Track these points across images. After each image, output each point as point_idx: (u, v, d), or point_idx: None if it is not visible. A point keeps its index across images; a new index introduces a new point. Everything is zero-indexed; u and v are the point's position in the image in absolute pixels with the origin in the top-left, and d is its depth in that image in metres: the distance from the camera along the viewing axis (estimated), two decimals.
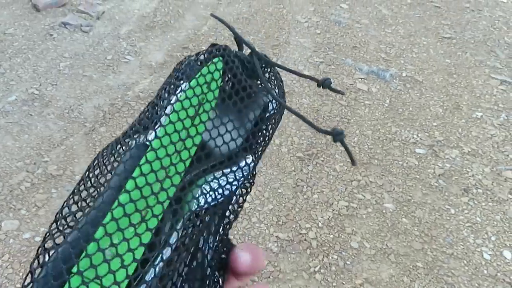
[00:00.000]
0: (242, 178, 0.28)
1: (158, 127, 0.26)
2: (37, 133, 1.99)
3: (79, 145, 1.96)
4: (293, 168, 1.95)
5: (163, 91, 0.30)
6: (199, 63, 0.30)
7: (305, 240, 1.65)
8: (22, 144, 1.92)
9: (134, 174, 0.24)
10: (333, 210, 1.78)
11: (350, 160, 0.28)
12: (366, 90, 2.50)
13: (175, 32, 2.84)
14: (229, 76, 0.30)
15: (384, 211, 1.80)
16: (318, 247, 1.63)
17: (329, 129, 0.28)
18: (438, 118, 2.35)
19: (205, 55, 0.30)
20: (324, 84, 0.31)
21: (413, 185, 1.93)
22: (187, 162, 0.26)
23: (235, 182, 0.28)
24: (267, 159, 1.98)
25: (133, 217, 0.23)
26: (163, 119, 0.26)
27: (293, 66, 2.63)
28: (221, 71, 0.29)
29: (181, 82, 0.28)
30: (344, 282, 1.53)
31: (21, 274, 1.45)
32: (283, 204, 1.78)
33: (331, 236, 1.67)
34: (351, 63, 2.72)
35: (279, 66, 0.33)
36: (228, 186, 0.27)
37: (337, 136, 0.28)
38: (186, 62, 0.30)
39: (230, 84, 0.30)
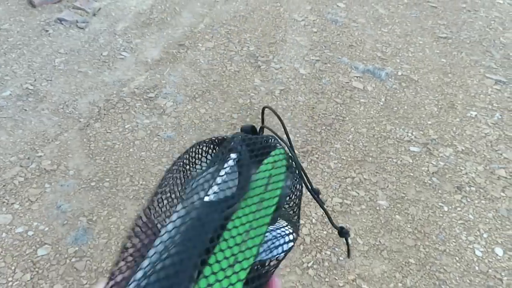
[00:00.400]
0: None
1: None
2: (32, 128, 1.98)
3: (73, 140, 1.96)
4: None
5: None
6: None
7: (298, 236, 1.65)
8: (16, 139, 1.91)
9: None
10: (327, 206, 1.78)
11: (347, 253, 0.40)
12: (361, 89, 2.51)
13: (171, 29, 2.84)
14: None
15: (377, 208, 1.81)
16: (312, 243, 1.64)
17: (339, 226, 0.39)
18: (433, 117, 2.36)
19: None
20: (342, 233, 0.40)
21: (407, 183, 1.94)
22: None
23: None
24: None
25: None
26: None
27: (289, 64, 2.64)
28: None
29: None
30: (336, 278, 1.53)
31: (13, 268, 1.45)
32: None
33: (325, 232, 1.68)
34: (347, 61, 2.72)
35: (311, 191, 0.41)
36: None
37: (344, 234, 0.38)
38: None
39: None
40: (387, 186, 1.91)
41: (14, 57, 2.41)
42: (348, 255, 0.38)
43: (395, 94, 2.51)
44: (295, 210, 0.41)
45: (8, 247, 1.49)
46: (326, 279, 1.52)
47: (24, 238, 1.53)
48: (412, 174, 1.99)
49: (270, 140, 0.40)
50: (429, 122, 2.32)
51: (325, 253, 1.61)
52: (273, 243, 0.36)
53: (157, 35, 2.77)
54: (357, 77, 2.61)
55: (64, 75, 2.35)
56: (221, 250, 0.30)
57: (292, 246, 0.37)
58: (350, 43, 2.91)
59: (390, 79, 2.62)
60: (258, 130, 0.41)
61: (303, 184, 0.41)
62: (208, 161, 0.41)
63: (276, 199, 0.35)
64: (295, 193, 0.41)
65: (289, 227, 0.39)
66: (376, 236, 1.69)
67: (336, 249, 1.63)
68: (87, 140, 1.97)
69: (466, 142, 2.21)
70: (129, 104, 2.22)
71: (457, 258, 1.64)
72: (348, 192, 1.86)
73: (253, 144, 0.38)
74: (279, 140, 0.41)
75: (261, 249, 0.33)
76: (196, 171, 0.40)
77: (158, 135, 2.05)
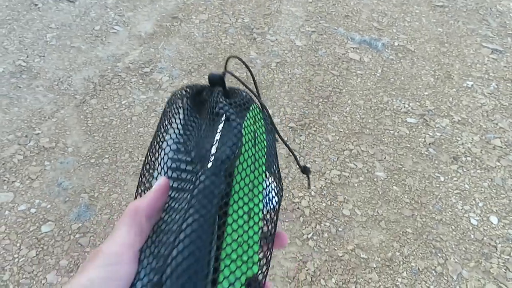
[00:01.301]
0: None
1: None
2: (27, 106, 1.96)
3: (70, 117, 1.94)
4: (286, 138, 1.96)
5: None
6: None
7: (298, 208, 1.68)
8: (12, 117, 1.90)
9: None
10: (325, 179, 1.80)
11: (308, 185, 0.44)
12: (358, 60, 2.50)
13: (163, 1, 2.78)
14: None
15: (375, 179, 1.83)
16: (311, 215, 1.67)
17: (302, 165, 0.43)
18: (430, 88, 2.37)
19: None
20: (305, 170, 0.42)
21: (404, 154, 1.96)
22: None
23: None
24: None
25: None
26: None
27: (285, 36, 2.60)
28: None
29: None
30: (336, 248, 1.57)
31: (18, 245, 1.47)
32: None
33: (324, 204, 1.71)
34: (343, 32, 2.69)
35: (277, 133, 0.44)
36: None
37: (306, 171, 0.42)
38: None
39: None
40: (385, 158, 1.93)
41: (4, 33, 2.36)
42: (309, 187, 0.45)
43: (391, 65, 2.50)
44: (276, 164, 0.43)
45: (12, 224, 1.50)
46: (326, 250, 1.56)
47: (27, 215, 1.54)
48: (409, 145, 2.01)
49: (246, 95, 0.41)
50: (426, 93, 2.33)
51: (324, 225, 1.64)
52: (269, 198, 0.38)
53: (150, 7, 2.71)
54: (353, 48, 2.59)
55: (56, 51, 2.30)
56: (233, 221, 0.33)
57: (280, 199, 0.40)
58: (346, 13, 2.87)
59: (386, 50, 2.60)
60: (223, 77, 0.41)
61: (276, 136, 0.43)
62: (188, 117, 0.42)
63: (264, 156, 0.37)
64: (275, 146, 0.44)
65: (277, 182, 0.41)
66: (374, 207, 1.72)
67: (335, 220, 1.66)
68: (84, 117, 1.95)
69: (462, 112, 2.23)
70: (124, 79, 2.19)
71: (453, 227, 1.68)
72: (346, 164, 1.88)
73: (237, 104, 0.39)
74: (249, 92, 0.42)
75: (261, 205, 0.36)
76: (176, 125, 0.41)
77: (155, 111, 2.04)
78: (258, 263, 0.33)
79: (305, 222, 1.65)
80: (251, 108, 0.39)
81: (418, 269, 1.53)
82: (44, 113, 1.94)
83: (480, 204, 1.78)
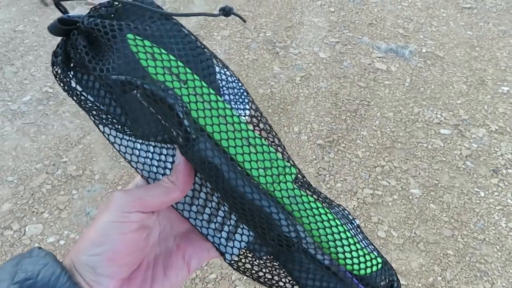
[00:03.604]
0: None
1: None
2: (54, 133, 1.97)
3: (96, 143, 1.94)
4: (314, 157, 1.90)
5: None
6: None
7: None
8: (40, 145, 1.91)
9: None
10: (357, 198, 1.73)
11: (242, 20, 0.35)
12: (385, 70, 2.42)
13: (185, 19, 2.77)
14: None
15: (410, 197, 1.75)
16: None
17: (219, 12, 0.33)
18: (462, 95, 2.26)
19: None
20: (226, 11, 0.33)
21: (440, 168, 1.87)
22: None
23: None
24: (287, 148, 1.94)
25: None
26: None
27: (308, 48, 2.55)
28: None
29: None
30: None
31: None
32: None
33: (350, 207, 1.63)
34: (368, 41, 2.62)
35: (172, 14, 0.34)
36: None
37: (227, 12, 0.33)
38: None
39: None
40: (419, 174, 1.84)
41: (31, 60, 2.39)
42: (244, 21, 0.35)
43: (420, 74, 2.40)
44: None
45: None
46: None
47: (56, 247, 1.53)
48: (444, 159, 1.91)
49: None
50: (459, 102, 2.22)
51: None
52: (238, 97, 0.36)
53: None
54: (379, 57, 2.51)
55: None
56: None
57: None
58: (369, 21, 2.80)
59: (414, 58, 2.51)
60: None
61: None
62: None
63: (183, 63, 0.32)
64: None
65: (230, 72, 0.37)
66: (411, 228, 1.64)
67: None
68: None
69: (499, 120, 2.12)
70: None
71: (497, 247, 1.58)
72: (378, 182, 1.80)
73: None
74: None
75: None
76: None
77: None
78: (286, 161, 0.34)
79: None
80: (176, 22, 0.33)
81: None
82: (71, 139, 1.94)
83: None
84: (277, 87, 2.26)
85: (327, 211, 0.34)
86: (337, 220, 0.34)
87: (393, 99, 2.23)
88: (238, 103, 0.35)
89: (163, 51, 0.30)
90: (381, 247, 1.57)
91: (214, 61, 0.34)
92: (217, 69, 0.34)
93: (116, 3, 0.32)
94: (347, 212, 0.38)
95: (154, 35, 0.31)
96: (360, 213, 1.68)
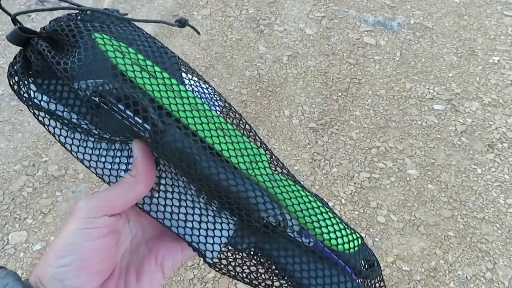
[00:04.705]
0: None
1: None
2: (31, 130, 1.85)
3: None
4: (307, 141, 1.83)
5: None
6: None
7: None
8: (16, 144, 1.79)
9: None
10: (355, 183, 1.68)
11: (196, 32, 0.35)
12: (374, 44, 2.33)
13: None
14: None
15: (408, 178, 1.71)
16: None
17: (176, 22, 0.34)
18: (454, 68, 2.21)
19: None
20: (182, 22, 0.34)
21: (435, 146, 1.83)
22: None
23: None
24: (279, 133, 1.86)
25: None
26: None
27: (294, 25, 2.44)
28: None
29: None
30: None
31: None
32: (302, 182, 1.68)
33: (356, 212, 1.59)
34: (354, 14, 2.52)
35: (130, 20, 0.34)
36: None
37: (183, 23, 0.34)
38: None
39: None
40: (415, 153, 1.80)
41: (0, 51, 2.23)
42: (198, 33, 0.36)
43: (410, 46, 2.33)
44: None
45: (28, 267, 1.42)
46: None
47: (43, 255, 1.45)
48: (439, 136, 1.87)
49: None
50: (450, 74, 2.17)
51: None
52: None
53: (148, 7, 2.56)
54: (367, 31, 2.42)
55: None
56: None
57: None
58: None
59: (403, 30, 2.43)
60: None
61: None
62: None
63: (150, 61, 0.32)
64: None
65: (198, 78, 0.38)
66: (410, 210, 1.61)
67: (371, 230, 1.55)
68: None
69: (491, 92, 2.07)
70: None
71: (497, 225, 1.56)
72: (375, 164, 1.76)
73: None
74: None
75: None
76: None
77: None
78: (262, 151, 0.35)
79: None
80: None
81: (466, 277, 1.42)
82: (50, 137, 1.83)
83: None
84: (264, 68, 2.17)
85: (307, 193, 0.35)
86: (317, 202, 0.35)
87: (384, 75, 2.16)
88: (209, 104, 0.35)
89: (130, 49, 0.31)
90: (381, 233, 1.54)
91: (182, 67, 0.34)
92: (183, 75, 0.34)
93: (76, 12, 0.33)
94: (319, 197, 0.38)
95: (120, 35, 0.31)
96: (358, 199, 1.64)
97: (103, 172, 0.34)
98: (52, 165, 1.71)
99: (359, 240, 0.36)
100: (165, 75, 0.31)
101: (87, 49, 0.29)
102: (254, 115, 1.93)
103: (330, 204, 1.61)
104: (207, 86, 0.36)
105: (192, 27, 0.36)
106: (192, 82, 0.34)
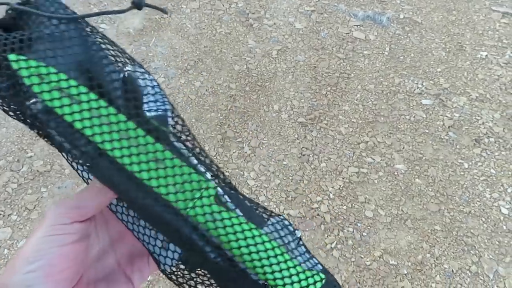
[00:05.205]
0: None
1: None
2: (15, 125, 1.82)
3: None
4: (296, 136, 1.83)
5: None
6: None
7: (318, 215, 1.57)
8: (1, 139, 1.76)
9: None
10: (343, 178, 1.69)
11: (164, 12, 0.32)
12: (363, 39, 2.33)
13: None
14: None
15: (395, 173, 1.72)
16: (332, 221, 1.56)
17: (131, 5, 0.30)
18: (442, 63, 2.22)
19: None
20: (137, 3, 0.30)
21: (423, 141, 1.84)
22: None
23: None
24: (268, 128, 1.86)
25: None
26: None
27: (283, 19, 2.43)
28: None
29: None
30: (362, 256, 1.47)
31: None
32: (290, 178, 1.68)
33: (344, 207, 1.60)
34: (344, 9, 2.52)
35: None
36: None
37: (139, 4, 0.30)
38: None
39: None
40: (403, 148, 1.81)
41: None
42: (165, 12, 0.32)
43: (399, 41, 2.34)
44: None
45: None
46: (352, 259, 1.46)
47: None
48: (427, 131, 1.88)
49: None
50: (439, 69, 2.18)
51: (348, 231, 1.53)
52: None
53: None
54: (357, 25, 2.42)
55: None
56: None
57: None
58: None
59: (392, 24, 2.43)
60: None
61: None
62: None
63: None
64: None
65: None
66: (398, 205, 1.61)
67: (359, 224, 1.55)
68: None
69: (479, 87, 2.09)
70: None
71: (483, 219, 1.58)
72: (363, 159, 1.76)
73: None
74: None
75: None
76: None
77: None
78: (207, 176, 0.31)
79: (326, 230, 1.54)
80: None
81: (452, 270, 1.44)
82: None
83: (509, 190, 1.67)
84: (253, 63, 2.15)
85: (252, 226, 0.31)
86: (264, 236, 0.31)
87: (373, 70, 2.16)
88: (159, 110, 0.32)
89: (51, 69, 0.28)
90: (369, 227, 1.55)
91: (130, 67, 0.31)
92: (138, 74, 0.31)
93: (10, 11, 0.30)
94: (287, 223, 0.34)
95: (44, 48, 0.28)
96: (346, 193, 1.64)
97: (81, 172, 0.34)
98: (37, 160, 1.69)
99: (323, 280, 0.32)
100: (92, 96, 0.28)
101: (6, 75, 0.28)
102: (243, 110, 1.92)
103: (318, 198, 1.62)
104: (162, 95, 0.33)
105: (153, 6, 0.32)
106: (147, 83, 0.32)
